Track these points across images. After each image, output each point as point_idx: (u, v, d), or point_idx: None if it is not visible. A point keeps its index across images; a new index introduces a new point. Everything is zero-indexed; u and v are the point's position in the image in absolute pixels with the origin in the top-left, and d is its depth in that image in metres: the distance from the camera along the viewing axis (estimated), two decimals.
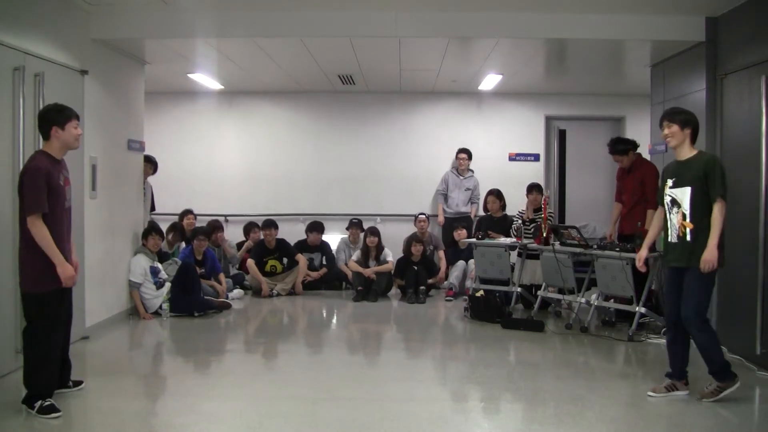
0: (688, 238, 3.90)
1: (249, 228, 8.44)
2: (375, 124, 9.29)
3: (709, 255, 3.78)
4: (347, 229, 8.37)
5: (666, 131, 4.02)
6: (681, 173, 3.98)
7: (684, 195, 3.92)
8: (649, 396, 4.06)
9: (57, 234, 3.73)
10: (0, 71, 4.41)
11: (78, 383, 4.18)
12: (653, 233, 4.34)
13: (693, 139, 4.01)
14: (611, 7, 5.59)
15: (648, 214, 5.79)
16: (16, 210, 4.48)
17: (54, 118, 3.79)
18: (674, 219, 4.00)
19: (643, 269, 4.29)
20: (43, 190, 3.62)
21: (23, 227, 3.69)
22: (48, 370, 3.79)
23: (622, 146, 6.18)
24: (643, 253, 4.26)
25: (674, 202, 4.00)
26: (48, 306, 3.75)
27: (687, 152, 4.00)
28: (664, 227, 4.12)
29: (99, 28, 5.68)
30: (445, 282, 7.94)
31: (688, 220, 3.90)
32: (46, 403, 3.73)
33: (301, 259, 7.99)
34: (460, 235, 8.00)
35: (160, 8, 5.59)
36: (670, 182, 4.04)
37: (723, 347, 4.17)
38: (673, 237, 4.02)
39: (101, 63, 5.85)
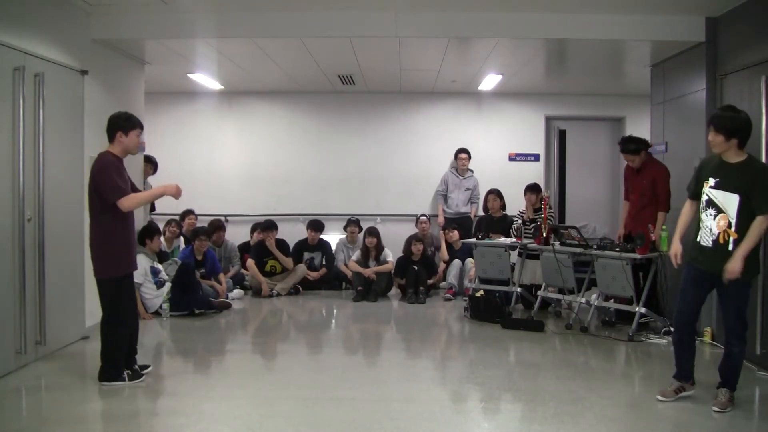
0: (730, 246, 3.68)
1: (255, 228, 8.46)
2: (375, 124, 9.29)
3: (735, 265, 3.61)
4: (345, 228, 8.37)
5: (710, 138, 3.76)
6: (727, 176, 3.72)
7: (730, 202, 3.68)
8: (659, 400, 3.96)
9: (127, 222, 4.25)
10: (0, 71, 4.42)
11: (145, 366, 4.55)
12: (683, 227, 4.02)
13: (741, 145, 3.71)
14: (611, 7, 5.59)
15: (659, 216, 5.74)
16: (16, 210, 4.52)
17: (120, 124, 4.24)
18: (708, 221, 3.77)
19: (678, 261, 3.99)
20: (117, 178, 4.11)
21: (92, 222, 4.17)
22: (121, 351, 4.31)
23: (633, 146, 5.93)
24: (677, 246, 3.98)
25: (712, 204, 3.76)
26: (119, 289, 4.24)
27: (734, 156, 3.72)
28: (695, 227, 3.90)
29: (99, 28, 5.68)
30: (443, 282, 7.95)
31: (733, 229, 3.68)
32: (129, 372, 4.33)
33: (300, 267, 8.04)
34: (452, 236, 8.00)
35: (160, 8, 5.59)
36: (711, 181, 3.77)
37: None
38: (706, 240, 3.79)
39: (101, 63, 5.85)
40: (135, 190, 4.38)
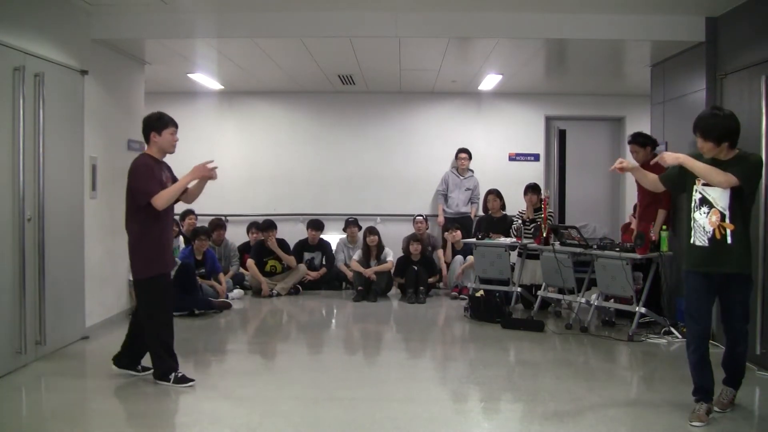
0: (729, 240, 3.54)
1: (251, 228, 8.46)
2: (375, 124, 9.29)
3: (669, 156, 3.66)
4: (344, 229, 8.37)
5: (699, 145, 3.64)
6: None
7: (722, 195, 3.55)
8: (694, 426, 3.59)
9: (163, 223, 4.24)
10: (0, 71, 4.41)
11: (147, 369, 4.43)
12: (644, 174, 4.02)
13: (732, 145, 3.60)
14: (611, 7, 5.59)
15: (659, 214, 5.80)
16: (15, 209, 4.52)
17: (152, 124, 4.24)
18: (701, 219, 3.62)
19: (617, 169, 3.92)
20: (151, 178, 4.11)
21: (128, 224, 4.21)
22: (166, 345, 4.26)
23: (642, 138, 6.07)
24: (633, 165, 3.98)
25: (705, 201, 3.62)
26: (156, 288, 4.22)
27: (725, 155, 3.61)
28: (686, 229, 3.75)
29: (99, 28, 5.68)
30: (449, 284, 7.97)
31: (727, 221, 3.53)
32: (179, 374, 4.24)
33: (300, 267, 8.03)
34: (455, 236, 8.00)
35: (160, 8, 5.59)
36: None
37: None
38: (701, 239, 3.63)
39: (101, 63, 5.85)
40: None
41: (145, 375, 4.40)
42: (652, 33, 5.75)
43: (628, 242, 5.83)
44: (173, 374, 4.22)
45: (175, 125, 4.31)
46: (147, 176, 4.11)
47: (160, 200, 4.09)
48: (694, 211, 3.67)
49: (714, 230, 3.59)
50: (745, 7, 5.15)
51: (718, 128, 3.55)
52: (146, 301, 4.27)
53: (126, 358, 4.45)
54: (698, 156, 3.70)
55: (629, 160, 5.84)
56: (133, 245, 4.21)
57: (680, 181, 3.77)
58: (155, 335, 4.23)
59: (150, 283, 4.21)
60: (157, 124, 4.23)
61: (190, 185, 4.33)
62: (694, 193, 3.67)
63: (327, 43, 6.36)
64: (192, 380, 4.24)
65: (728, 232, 3.55)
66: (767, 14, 4.83)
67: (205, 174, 4.24)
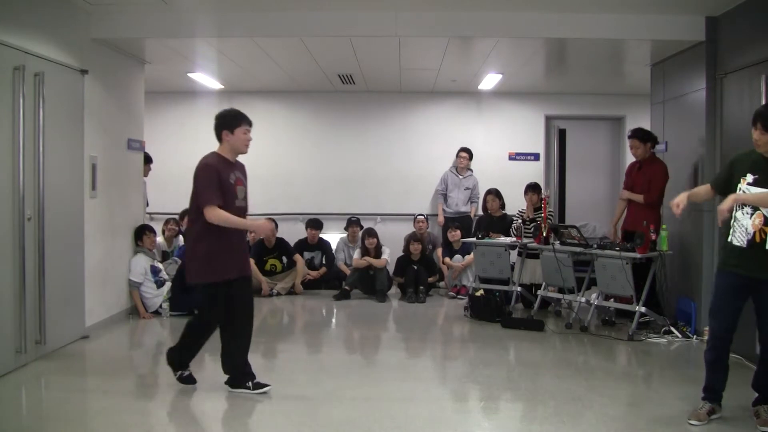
0: None
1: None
2: (375, 124, 9.28)
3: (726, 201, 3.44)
4: (345, 228, 8.37)
5: (756, 137, 3.51)
6: None
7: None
8: (692, 424, 3.60)
9: (224, 228, 3.87)
10: (0, 71, 4.41)
11: (262, 386, 4.07)
12: (697, 191, 3.88)
13: None
14: (611, 7, 5.59)
15: (639, 198, 5.97)
16: (15, 209, 4.52)
17: (226, 121, 4.01)
18: (744, 220, 3.51)
19: (678, 212, 3.76)
20: (215, 184, 3.83)
21: (191, 222, 3.96)
22: (191, 350, 4.13)
23: (642, 133, 6.10)
24: (682, 198, 3.76)
25: None
26: (211, 296, 3.94)
27: None
28: (727, 226, 3.62)
29: (99, 27, 5.68)
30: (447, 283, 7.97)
31: None
32: (185, 374, 4.13)
33: (299, 260, 7.99)
34: (455, 235, 8.01)
35: (160, 8, 5.59)
36: (750, 177, 3.51)
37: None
38: (740, 239, 3.53)
39: (101, 62, 5.85)
40: (234, 197, 4.01)
41: (260, 392, 4.05)
42: (652, 32, 5.74)
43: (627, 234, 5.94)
44: (180, 372, 4.16)
45: (249, 123, 4.06)
46: (208, 181, 3.85)
47: (213, 214, 3.79)
48: (737, 210, 3.56)
49: (755, 233, 3.48)
50: (745, 6, 5.14)
51: None
52: (200, 306, 4.14)
53: (230, 371, 4.11)
54: (741, 160, 3.62)
55: (628, 157, 5.92)
56: (189, 246, 4.04)
57: (729, 184, 3.65)
58: (190, 332, 4.09)
59: (206, 289, 3.95)
60: (231, 122, 3.98)
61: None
62: (738, 191, 3.55)
63: (327, 42, 6.36)
64: (194, 382, 4.17)
65: None
66: (767, 13, 4.82)
67: (268, 235, 4.06)
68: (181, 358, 4.16)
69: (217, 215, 3.79)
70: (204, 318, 4.08)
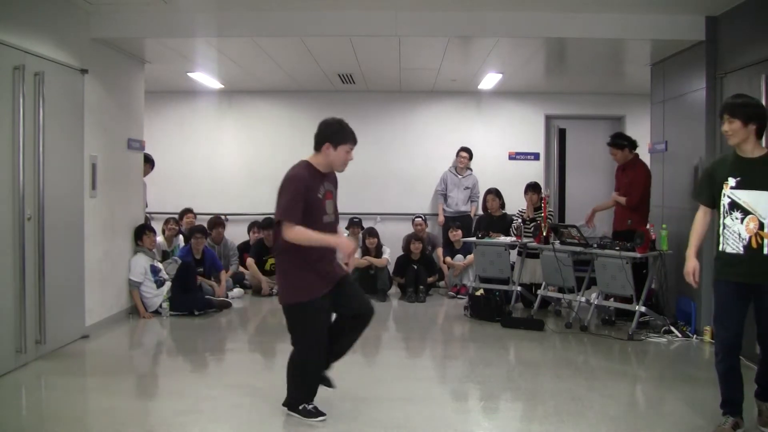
0: (765, 250, 3.30)
1: (252, 227, 8.45)
2: (375, 124, 9.27)
3: None
4: (347, 228, 8.37)
5: (726, 127, 3.37)
6: (752, 173, 3.35)
7: (758, 201, 3.31)
8: None
9: (316, 247, 3.53)
10: (0, 70, 4.41)
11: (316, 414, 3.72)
12: (698, 238, 3.61)
13: (759, 134, 3.36)
14: (611, 7, 5.59)
15: (618, 199, 6.26)
16: (15, 208, 4.52)
17: (331, 135, 3.65)
18: (735, 225, 3.37)
19: (695, 283, 3.60)
20: (299, 199, 3.49)
21: (276, 235, 3.60)
22: (311, 376, 3.72)
23: (619, 140, 6.36)
24: (693, 263, 3.56)
25: (736, 206, 3.36)
26: (304, 316, 3.64)
27: (753, 148, 3.36)
28: (715, 233, 3.50)
29: (99, 27, 5.68)
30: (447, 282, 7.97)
31: (766, 230, 3.29)
32: (310, 406, 3.67)
33: None
34: (456, 235, 8.00)
35: (160, 7, 5.59)
36: (732, 181, 3.38)
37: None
38: (734, 246, 3.38)
39: (101, 62, 5.85)
40: (322, 213, 3.62)
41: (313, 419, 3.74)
42: (652, 32, 5.74)
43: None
44: (303, 405, 3.68)
45: (355, 142, 3.70)
46: (292, 194, 3.50)
47: (293, 232, 3.43)
48: (725, 217, 3.41)
49: (750, 238, 3.33)
50: (745, 6, 5.14)
51: (747, 107, 3.36)
52: (293, 329, 3.75)
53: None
54: (720, 164, 3.51)
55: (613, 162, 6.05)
56: (281, 264, 3.65)
57: (712, 191, 3.52)
58: (302, 371, 3.72)
59: (297, 311, 3.64)
60: (337, 136, 3.63)
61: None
62: (722, 197, 3.42)
63: (327, 42, 6.36)
64: (324, 414, 3.66)
65: (765, 242, 3.31)
66: (767, 13, 4.82)
67: (349, 257, 3.60)
68: (298, 391, 3.74)
69: (295, 234, 3.44)
70: (306, 345, 3.72)
